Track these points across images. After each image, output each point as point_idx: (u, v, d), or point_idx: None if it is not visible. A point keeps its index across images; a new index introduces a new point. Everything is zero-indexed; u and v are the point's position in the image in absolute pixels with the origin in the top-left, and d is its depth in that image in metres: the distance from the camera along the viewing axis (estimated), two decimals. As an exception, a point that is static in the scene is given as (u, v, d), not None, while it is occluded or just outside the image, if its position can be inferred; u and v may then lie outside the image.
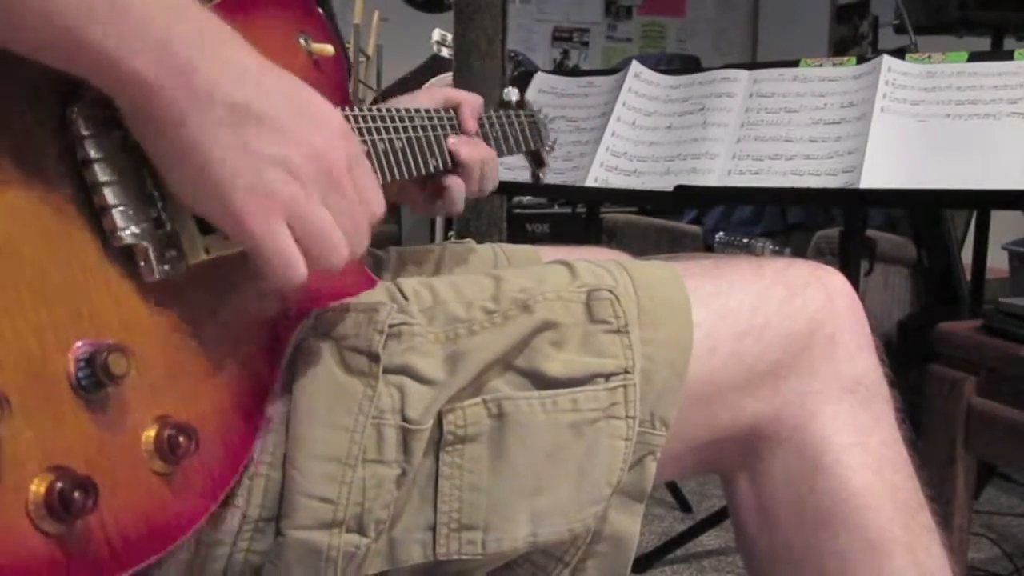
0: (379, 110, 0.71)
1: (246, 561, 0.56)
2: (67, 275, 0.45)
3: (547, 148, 1.03)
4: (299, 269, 0.50)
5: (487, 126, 0.89)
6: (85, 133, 0.47)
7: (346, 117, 0.66)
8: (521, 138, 0.96)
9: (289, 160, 0.49)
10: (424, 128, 0.77)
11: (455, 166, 0.81)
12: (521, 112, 0.97)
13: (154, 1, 0.45)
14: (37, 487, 0.42)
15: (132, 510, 0.46)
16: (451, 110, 0.83)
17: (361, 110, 0.69)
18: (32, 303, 0.43)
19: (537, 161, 1.04)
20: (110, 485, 0.45)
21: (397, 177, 0.72)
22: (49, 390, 0.43)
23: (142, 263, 0.48)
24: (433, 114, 0.79)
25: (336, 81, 0.68)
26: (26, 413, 0.42)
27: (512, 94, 0.99)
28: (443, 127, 0.80)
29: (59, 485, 0.42)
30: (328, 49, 0.67)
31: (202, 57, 0.46)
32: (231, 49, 0.49)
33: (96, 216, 0.47)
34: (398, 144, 0.72)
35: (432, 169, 0.78)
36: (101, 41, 0.44)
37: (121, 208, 0.48)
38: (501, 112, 0.93)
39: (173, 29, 0.46)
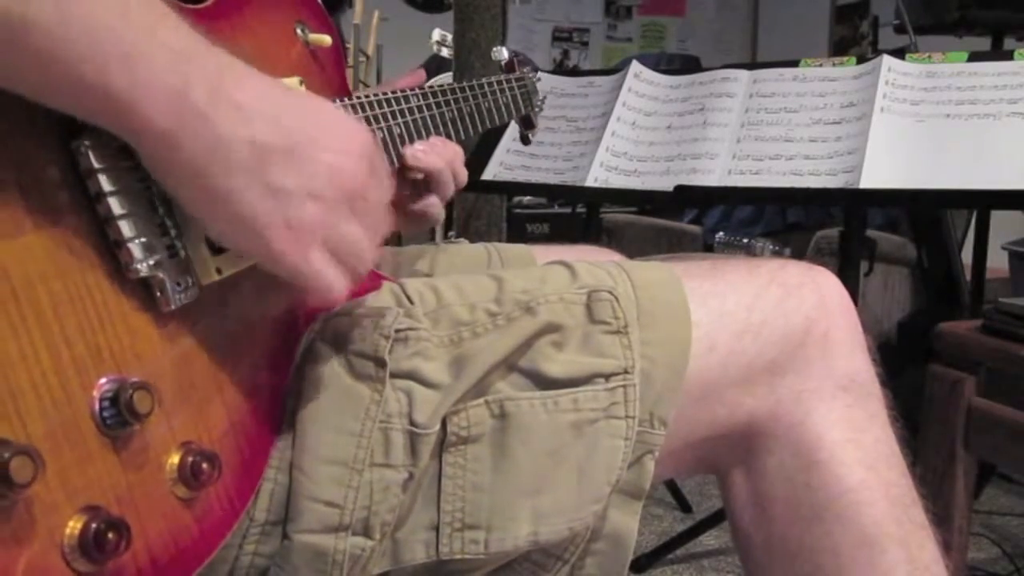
0: (384, 94, 0.71)
1: (252, 564, 0.56)
2: (84, 311, 0.45)
3: (537, 109, 1.00)
4: (341, 286, 0.51)
5: (480, 96, 0.86)
6: (98, 166, 0.45)
7: (352, 106, 0.66)
8: (512, 104, 0.94)
9: (313, 187, 0.49)
10: (421, 108, 0.76)
11: (425, 178, 0.76)
12: (511, 76, 0.95)
13: (165, 47, 0.45)
14: (72, 529, 0.42)
15: (161, 539, 0.46)
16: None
17: (367, 96, 0.68)
18: (52, 344, 0.43)
19: (527, 124, 1.02)
20: (140, 519, 0.45)
21: None
22: (76, 432, 0.43)
23: (159, 294, 0.48)
24: (428, 91, 0.78)
25: (333, 71, 0.68)
26: (56, 458, 0.42)
27: (502, 54, 0.96)
28: (437, 104, 0.78)
29: (93, 526, 0.42)
30: (326, 39, 0.66)
31: (219, 102, 0.46)
32: (246, 86, 0.48)
33: (110, 249, 0.46)
34: (412, 126, 0.73)
35: None
36: (114, 87, 0.43)
37: (137, 241, 0.47)
38: (492, 79, 0.90)
39: (188, 75, 0.45)
